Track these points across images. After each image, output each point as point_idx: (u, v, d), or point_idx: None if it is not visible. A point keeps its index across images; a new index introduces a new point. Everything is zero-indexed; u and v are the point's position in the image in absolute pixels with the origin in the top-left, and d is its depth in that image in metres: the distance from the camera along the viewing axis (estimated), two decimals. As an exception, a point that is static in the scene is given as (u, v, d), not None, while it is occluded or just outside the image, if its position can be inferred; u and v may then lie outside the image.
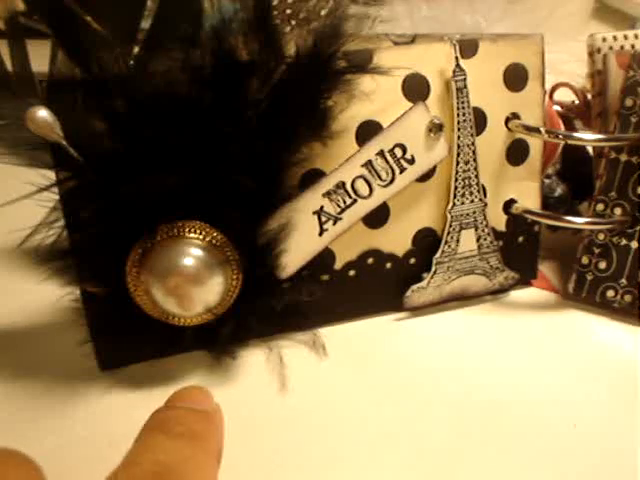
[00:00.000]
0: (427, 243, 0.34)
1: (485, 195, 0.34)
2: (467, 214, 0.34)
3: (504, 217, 0.35)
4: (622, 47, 0.37)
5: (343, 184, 0.31)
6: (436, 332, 0.33)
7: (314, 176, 0.31)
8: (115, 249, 0.28)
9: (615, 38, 0.37)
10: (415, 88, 0.32)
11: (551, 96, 0.40)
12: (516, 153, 0.35)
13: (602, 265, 0.34)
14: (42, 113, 0.25)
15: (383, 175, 0.32)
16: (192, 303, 0.28)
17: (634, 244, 0.33)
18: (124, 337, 0.29)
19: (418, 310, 0.35)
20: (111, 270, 0.28)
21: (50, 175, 0.27)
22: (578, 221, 0.34)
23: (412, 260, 0.34)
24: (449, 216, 0.33)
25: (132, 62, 0.28)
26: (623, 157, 0.34)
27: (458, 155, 0.33)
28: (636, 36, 0.38)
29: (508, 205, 0.35)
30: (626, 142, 0.33)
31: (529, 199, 0.35)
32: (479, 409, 0.28)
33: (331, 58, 0.28)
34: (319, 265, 0.32)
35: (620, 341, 0.33)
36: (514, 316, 0.35)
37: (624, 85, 0.33)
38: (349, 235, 0.32)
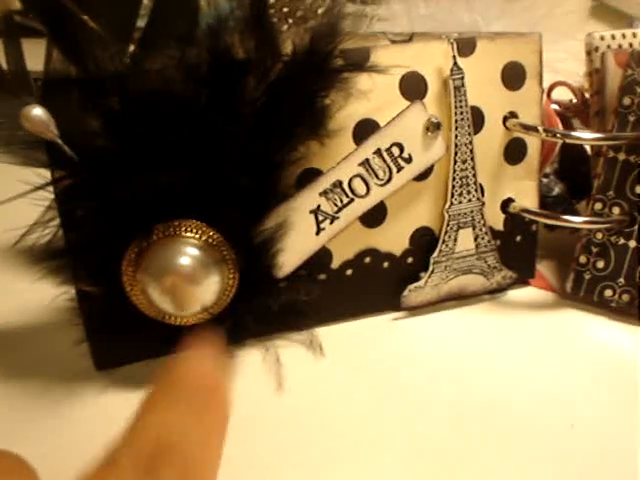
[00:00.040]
0: (425, 242, 0.34)
1: (483, 194, 0.34)
2: (465, 213, 0.34)
3: (502, 216, 0.35)
4: (620, 46, 0.37)
5: (340, 183, 0.31)
6: (434, 332, 0.33)
7: (311, 175, 0.31)
8: (111, 248, 0.27)
9: (613, 37, 0.37)
10: (412, 87, 0.32)
11: (549, 95, 0.40)
12: (514, 152, 0.35)
13: (600, 264, 0.34)
14: (37, 111, 0.25)
15: (380, 174, 0.31)
16: (188, 302, 0.27)
17: (632, 243, 0.33)
18: (120, 337, 0.29)
19: (416, 309, 0.35)
20: (107, 269, 0.28)
21: (45, 174, 0.27)
22: (576, 220, 0.34)
23: (409, 259, 0.34)
24: (447, 215, 0.33)
25: (128, 60, 0.28)
26: (621, 156, 0.34)
27: (456, 154, 0.33)
28: (634, 35, 0.38)
29: (506, 204, 0.35)
30: (624, 141, 0.33)
31: (527, 198, 0.35)
32: (477, 409, 0.28)
33: (328, 56, 0.28)
34: (316, 264, 0.32)
35: (618, 340, 0.33)
36: (512, 315, 0.35)
37: (622, 84, 0.33)
38: (346, 234, 0.32)
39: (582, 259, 0.35)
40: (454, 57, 0.32)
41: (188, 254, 0.27)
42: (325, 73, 0.29)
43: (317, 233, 0.31)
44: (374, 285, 0.34)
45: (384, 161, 0.31)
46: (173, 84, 0.27)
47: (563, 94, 0.40)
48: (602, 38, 0.37)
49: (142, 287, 0.27)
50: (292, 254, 0.31)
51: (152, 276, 0.27)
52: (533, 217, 0.35)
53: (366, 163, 0.31)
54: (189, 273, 0.27)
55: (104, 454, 0.16)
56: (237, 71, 0.27)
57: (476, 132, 0.33)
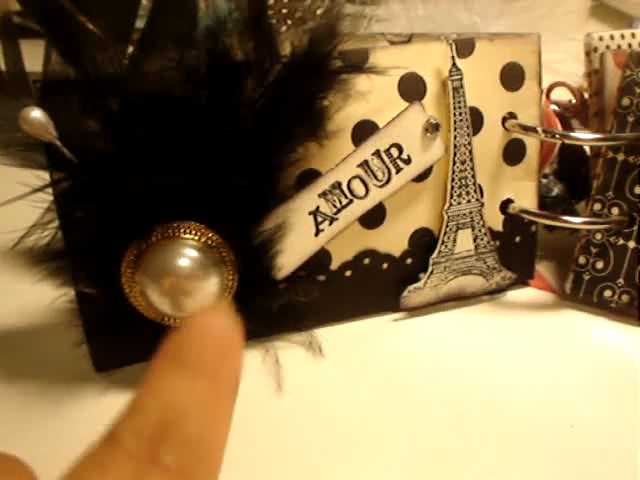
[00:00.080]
0: (424, 243, 0.34)
1: (482, 195, 0.34)
2: (464, 214, 0.34)
3: (501, 217, 0.35)
4: (619, 46, 0.37)
5: (339, 184, 0.31)
6: (433, 332, 0.33)
7: (310, 176, 0.31)
8: (110, 250, 0.27)
9: (612, 37, 0.37)
10: (411, 88, 0.32)
11: (548, 95, 0.40)
12: (513, 153, 0.35)
13: (599, 265, 0.34)
14: (36, 113, 0.25)
15: (379, 175, 0.31)
16: (187, 304, 0.27)
17: (631, 244, 0.33)
18: (119, 338, 0.29)
19: (415, 310, 0.35)
20: (106, 271, 0.28)
21: (44, 176, 0.27)
22: (575, 221, 0.34)
23: (409, 260, 0.34)
24: (446, 216, 0.33)
25: (127, 62, 0.28)
26: (620, 156, 0.34)
27: (455, 155, 0.33)
28: (633, 35, 0.38)
29: (505, 205, 0.35)
30: (623, 141, 0.33)
31: (526, 199, 0.35)
32: (477, 409, 0.28)
33: (327, 58, 0.28)
34: (315, 266, 0.32)
35: (618, 341, 0.33)
36: (511, 316, 0.35)
37: (621, 84, 0.33)
38: (345, 235, 0.32)
39: (581, 260, 0.35)
40: (453, 58, 0.32)
41: (187, 255, 0.27)
42: (324, 74, 0.29)
43: (316, 234, 0.31)
44: (373, 286, 0.33)
45: (383, 162, 0.31)
46: (172, 85, 0.27)
47: (562, 95, 0.40)
48: (601, 39, 0.37)
49: (141, 289, 0.27)
50: (291, 255, 0.31)
51: (151, 278, 0.27)
52: (532, 218, 0.35)
53: (365, 164, 0.31)
54: (188, 275, 0.27)
55: (109, 427, 0.16)
56: (236, 72, 0.27)
57: (475, 133, 0.33)
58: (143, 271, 0.27)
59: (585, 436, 0.27)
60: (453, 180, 0.33)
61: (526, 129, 0.33)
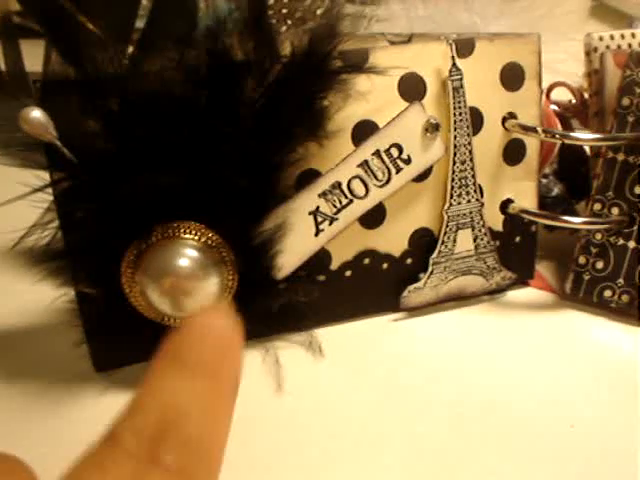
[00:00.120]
0: (424, 243, 0.34)
1: (482, 195, 0.34)
2: (464, 214, 0.34)
3: (501, 217, 0.35)
4: (619, 46, 0.37)
5: (339, 184, 0.31)
6: (433, 332, 0.33)
7: (310, 176, 0.31)
8: (110, 250, 0.27)
9: (612, 37, 0.37)
10: (411, 88, 0.32)
11: (548, 95, 0.40)
12: (513, 153, 0.35)
13: (599, 265, 0.34)
14: (36, 113, 0.25)
15: (379, 175, 0.31)
16: (187, 304, 0.27)
17: (631, 244, 0.33)
18: (119, 338, 0.29)
19: (415, 310, 0.35)
20: (106, 271, 0.28)
21: (44, 176, 0.27)
22: (575, 221, 0.34)
23: (409, 260, 0.34)
24: (446, 216, 0.33)
25: (127, 62, 0.28)
26: (620, 156, 0.34)
27: (455, 155, 0.33)
28: (633, 35, 0.38)
29: (505, 205, 0.35)
30: (623, 141, 0.33)
31: (526, 199, 0.35)
32: (477, 409, 0.28)
33: (327, 58, 0.28)
34: (315, 266, 0.32)
35: (618, 341, 0.33)
36: (511, 316, 0.35)
37: (621, 84, 0.33)
38: (345, 235, 0.32)
39: (581, 260, 0.35)
40: (453, 58, 0.32)
41: (187, 255, 0.27)
42: (324, 74, 0.29)
43: (316, 234, 0.31)
44: (373, 286, 0.33)
45: (383, 162, 0.31)
46: (172, 85, 0.27)
47: (562, 95, 0.40)
48: (601, 39, 0.37)
49: (141, 289, 0.27)
50: (291, 255, 0.31)
51: (151, 277, 0.27)
52: (532, 218, 0.35)
53: (365, 164, 0.31)
54: (188, 275, 0.27)
55: (109, 427, 0.16)
56: (236, 72, 0.27)
57: (475, 133, 0.33)
58: (143, 271, 0.27)
59: (585, 436, 0.27)
60: (453, 180, 0.33)
61: (526, 129, 0.33)
